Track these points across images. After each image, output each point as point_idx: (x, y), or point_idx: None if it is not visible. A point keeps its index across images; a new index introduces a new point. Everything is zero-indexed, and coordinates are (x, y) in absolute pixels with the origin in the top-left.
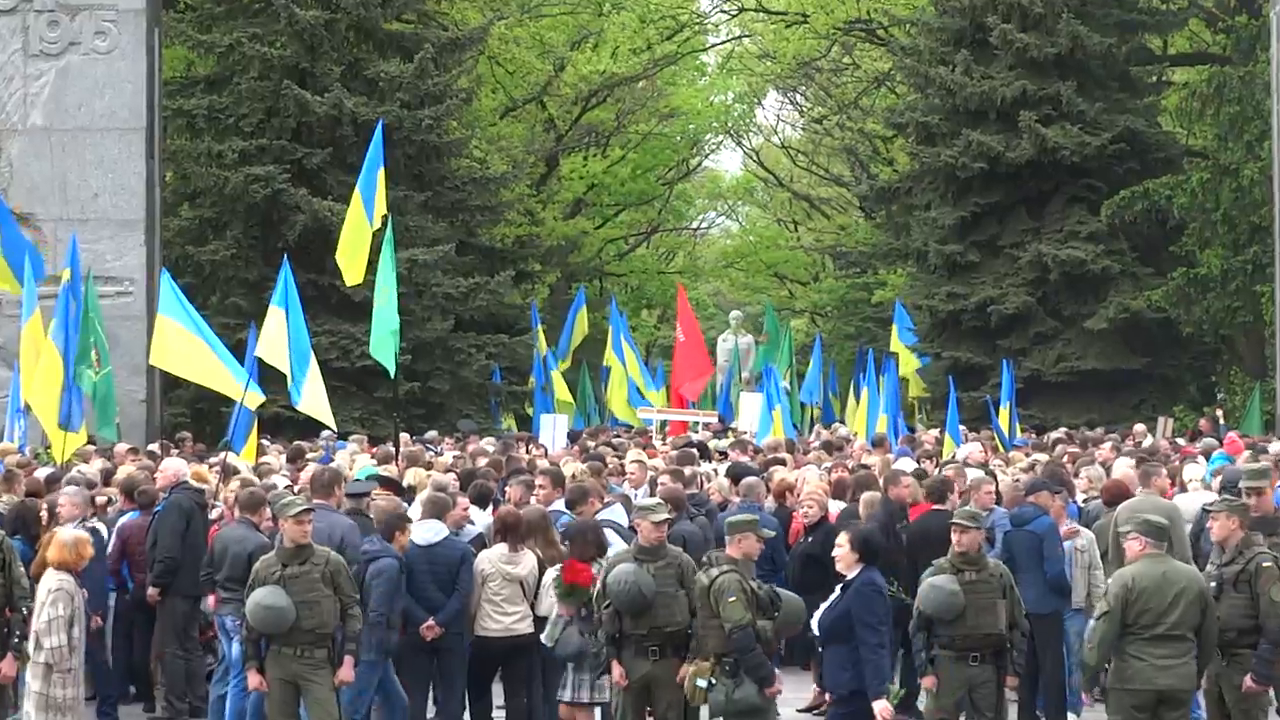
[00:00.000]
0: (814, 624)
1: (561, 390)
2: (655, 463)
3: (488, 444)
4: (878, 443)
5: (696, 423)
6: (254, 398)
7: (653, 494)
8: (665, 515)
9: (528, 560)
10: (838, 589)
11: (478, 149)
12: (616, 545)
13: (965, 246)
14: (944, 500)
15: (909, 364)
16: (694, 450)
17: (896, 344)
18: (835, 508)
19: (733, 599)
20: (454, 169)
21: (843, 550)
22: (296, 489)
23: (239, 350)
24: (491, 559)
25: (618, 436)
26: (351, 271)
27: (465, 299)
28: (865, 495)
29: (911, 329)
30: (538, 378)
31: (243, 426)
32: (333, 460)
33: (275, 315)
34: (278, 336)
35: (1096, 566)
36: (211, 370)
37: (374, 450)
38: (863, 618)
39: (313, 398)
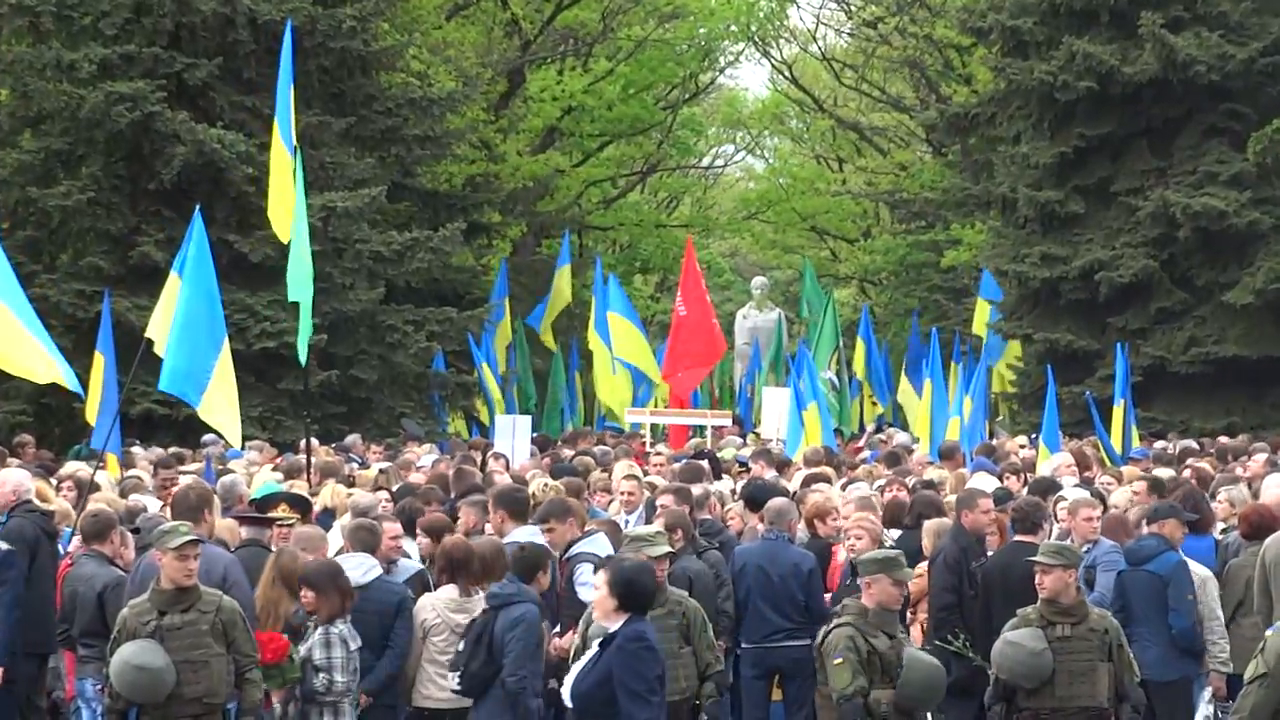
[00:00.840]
0: (564, 692)
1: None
2: (653, 479)
3: (427, 452)
4: (947, 453)
5: (702, 427)
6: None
7: (650, 520)
8: (665, 548)
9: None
10: (595, 645)
11: (416, 60)
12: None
13: (1066, 193)
14: (1035, 530)
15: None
16: (702, 463)
17: (980, 323)
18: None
19: (839, 661)
20: (385, 87)
21: (599, 594)
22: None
23: (93, 328)
24: (437, 606)
25: (600, 444)
26: (284, 225)
27: (400, 260)
28: (929, 523)
29: (995, 301)
30: (499, 364)
31: (105, 428)
32: (217, 473)
33: (171, 286)
34: (167, 313)
35: (1215, 616)
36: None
37: (278, 460)
38: (628, 684)
39: (218, 402)
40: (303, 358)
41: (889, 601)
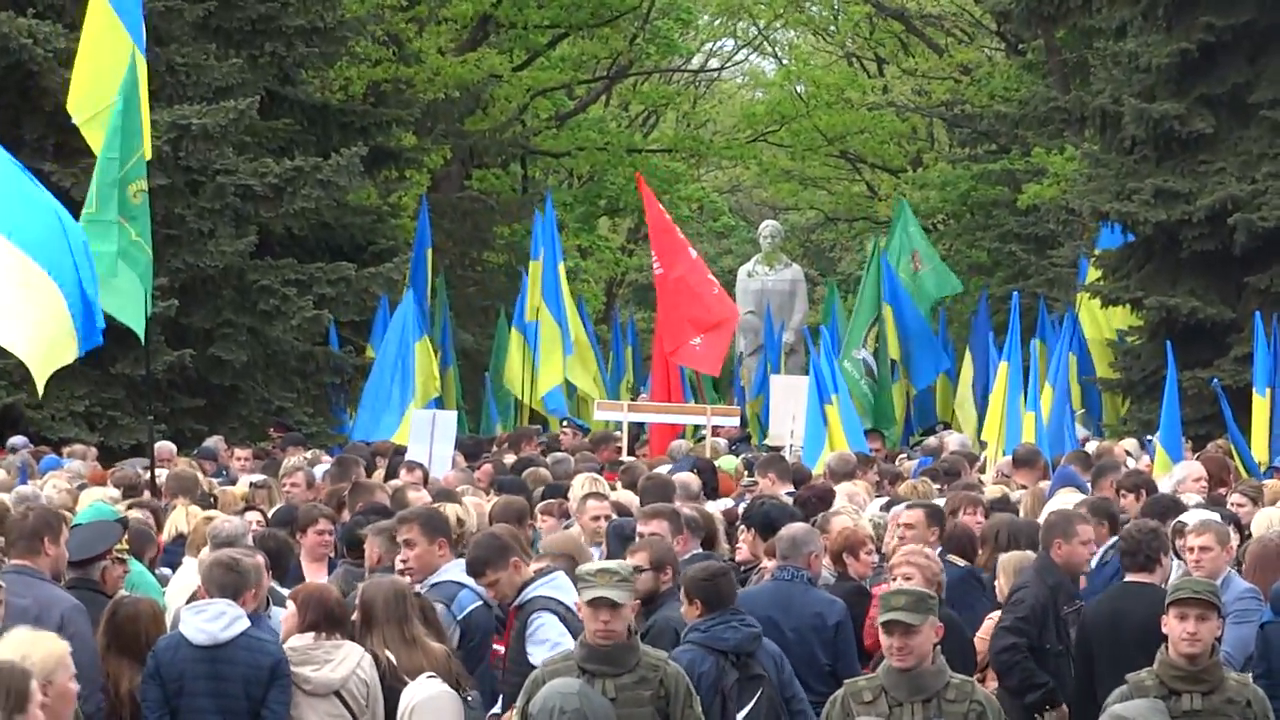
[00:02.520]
0: None
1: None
2: (622, 496)
3: (313, 462)
4: (1025, 460)
5: (697, 428)
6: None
7: (617, 553)
8: (629, 592)
9: (348, 660)
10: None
11: None
12: (559, 641)
13: (1188, 106)
14: (1150, 566)
15: (1099, 323)
16: (690, 475)
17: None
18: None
19: None
20: None
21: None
22: None
23: None
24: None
25: (550, 450)
26: (97, 134)
27: (277, 197)
28: (1007, 558)
29: (1091, 255)
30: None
31: None
32: (36, 486)
33: None
34: None
35: None
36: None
37: (111, 472)
38: None
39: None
40: (141, 332)
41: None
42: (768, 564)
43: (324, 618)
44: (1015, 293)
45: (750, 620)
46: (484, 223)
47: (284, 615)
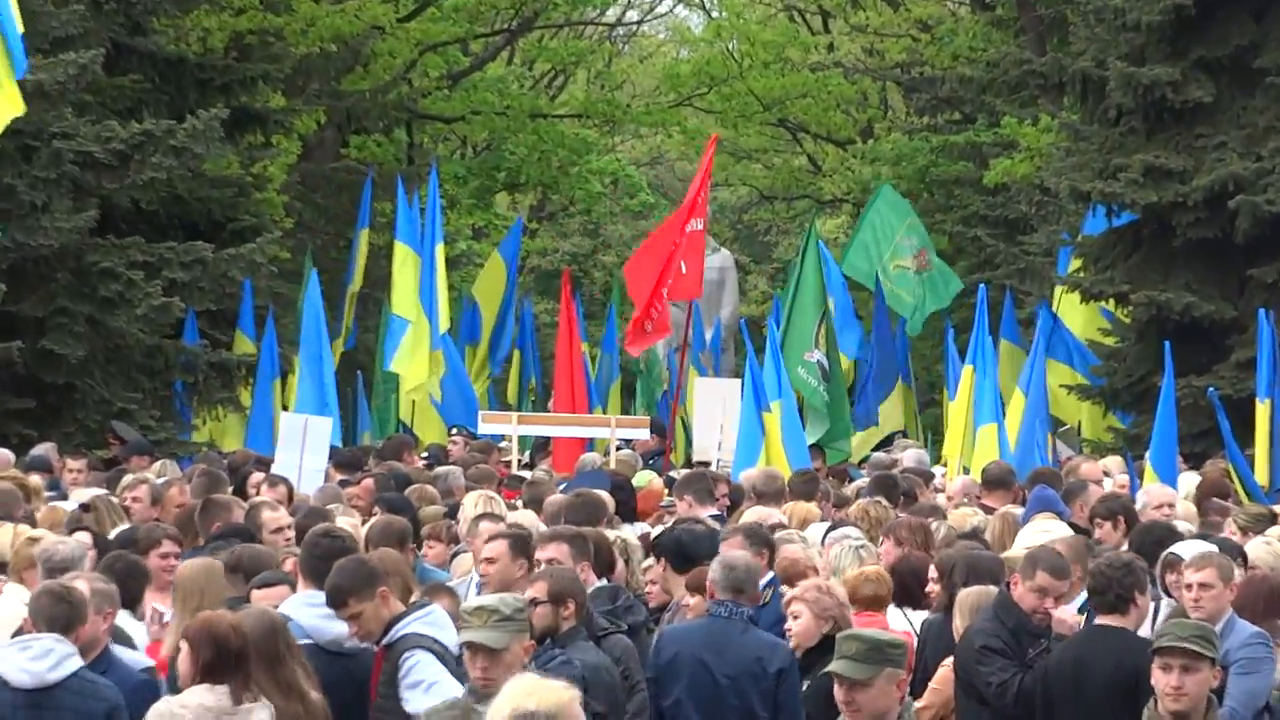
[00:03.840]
0: None
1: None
2: (523, 517)
3: (158, 474)
4: (996, 479)
5: (603, 440)
6: None
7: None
8: (512, 633)
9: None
10: None
11: None
12: (437, 681)
13: (1184, 71)
14: (1122, 607)
15: (1080, 316)
16: (599, 496)
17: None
18: (899, 620)
19: None
20: None
21: None
22: None
23: None
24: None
25: (432, 461)
26: None
27: (123, 165)
28: (967, 594)
29: (1071, 241)
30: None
31: None
32: None
33: None
34: None
35: None
36: None
37: None
38: None
39: None
40: None
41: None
42: (689, 600)
43: (218, 656)
44: (983, 285)
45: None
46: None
47: (180, 657)
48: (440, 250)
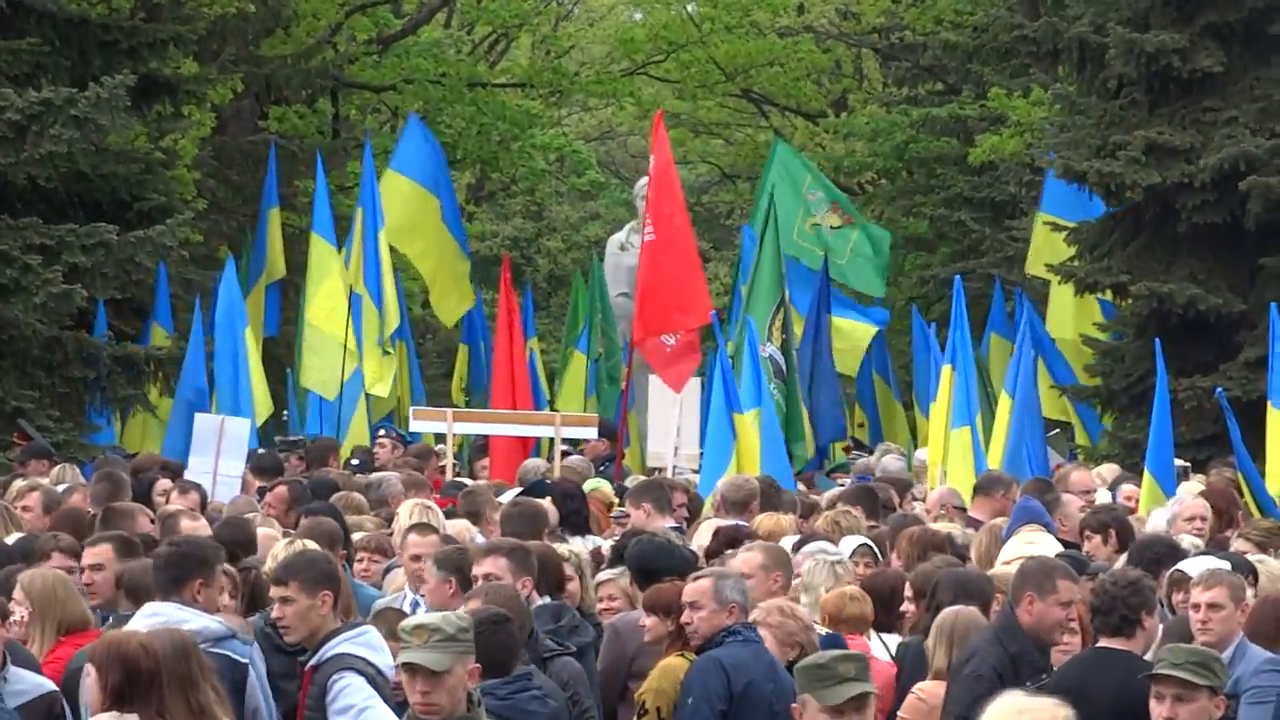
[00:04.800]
0: None
1: None
2: (458, 529)
3: (56, 479)
4: (983, 487)
5: (548, 439)
6: None
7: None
8: (455, 654)
9: None
10: None
11: None
12: (369, 706)
13: (1191, 38)
14: (1128, 629)
15: (1068, 314)
16: (538, 504)
17: (1036, 261)
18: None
19: None
20: None
21: None
22: None
23: None
24: None
25: (359, 465)
26: None
27: (19, 137)
28: (949, 614)
29: (1065, 223)
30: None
31: None
32: None
33: None
34: None
35: None
36: None
37: None
38: None
39: None
40: None
41: None
42: (646, 620)
43: (128, 679)
44: (958, 277)
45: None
46: (284, 174)
47: (87, 682)
48: (383, 237)
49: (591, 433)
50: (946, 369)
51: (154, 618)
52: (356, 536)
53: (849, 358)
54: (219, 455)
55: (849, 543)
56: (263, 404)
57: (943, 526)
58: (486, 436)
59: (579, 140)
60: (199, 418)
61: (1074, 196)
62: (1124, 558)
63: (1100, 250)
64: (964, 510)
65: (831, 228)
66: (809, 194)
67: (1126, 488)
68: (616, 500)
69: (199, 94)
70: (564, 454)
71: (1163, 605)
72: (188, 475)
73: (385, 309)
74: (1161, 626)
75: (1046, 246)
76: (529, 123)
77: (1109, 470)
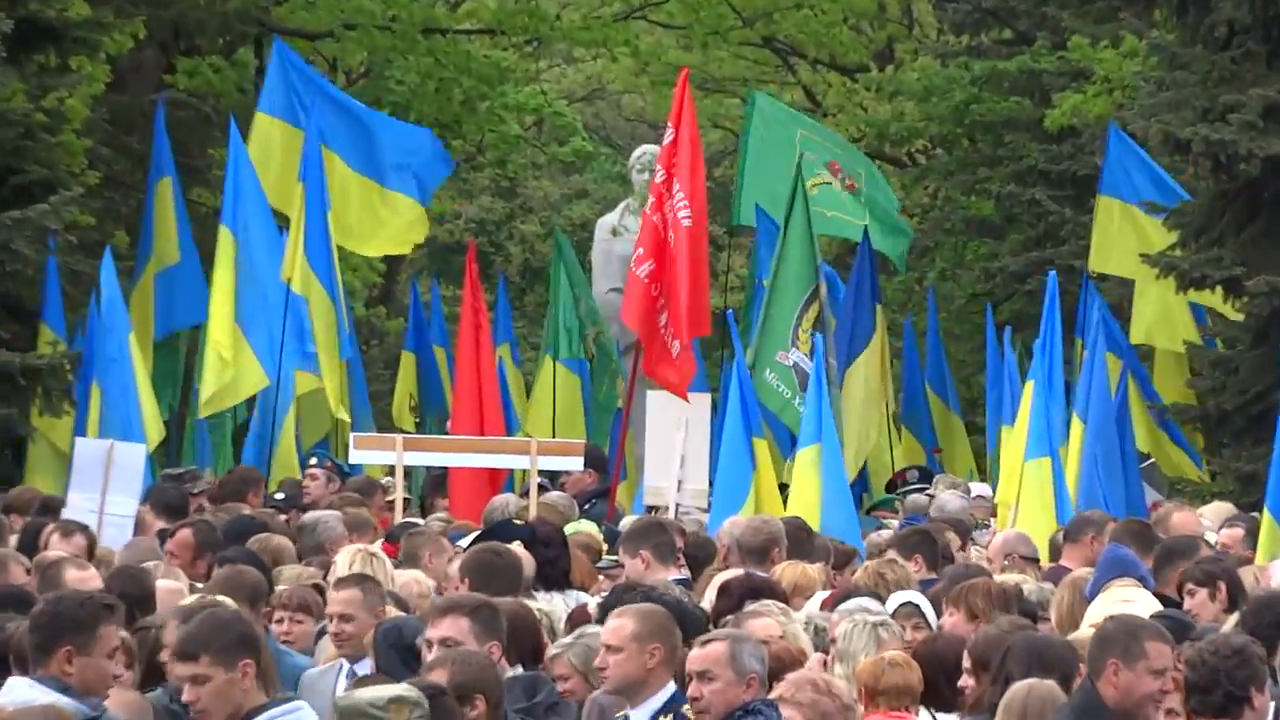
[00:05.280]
0: None
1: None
2: (411, 578)
3: None
4: (1074, 531)
5: (521, 470)
6: None
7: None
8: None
9: None
10: None
11: None
12: None
13: None
14: (1234, 710)
15: (1159, 318)
16: (511, 553)
17: (1103, 255)
18: None
19: None
20: None
21: None
22: None
23: None
24: None
25: (292, 503)
26: None
27: None
28: (1021, 689)
29: (1161, 206)
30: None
31: None
32: None
33: None
34: None
35: None
36: None
37: None
38: None
39: None
40: None
41: None
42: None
43: None
44: (1052, 272)
45: None
46: (195, 140)
47: None
48: (331, 218)
49: (576, 463)
50: (1028, 386)
51: (6, 695)
52: (279, 593)
53: None
54: (105, 490)
55: (893, 601)
56: (153, 425)
57: (1010, 577)
58: (445, 468)
59: (561, 100)
60: (80, 443)
61: (1141, 171)
62: (1234, 618)
63: (1209, 237)
64: (1035, 560)
65: (840, 189)
66: (807, 153)
67: (1228, 531)
68: (606, 546)
69: (91, 42)
70: (541, 489)
71: (1275, 679)
72: (66, 514)
73: (340, 295)
74: (1273, 705)
75: (1120, 236)
76: (499, 78)
77: (1215, 512)
